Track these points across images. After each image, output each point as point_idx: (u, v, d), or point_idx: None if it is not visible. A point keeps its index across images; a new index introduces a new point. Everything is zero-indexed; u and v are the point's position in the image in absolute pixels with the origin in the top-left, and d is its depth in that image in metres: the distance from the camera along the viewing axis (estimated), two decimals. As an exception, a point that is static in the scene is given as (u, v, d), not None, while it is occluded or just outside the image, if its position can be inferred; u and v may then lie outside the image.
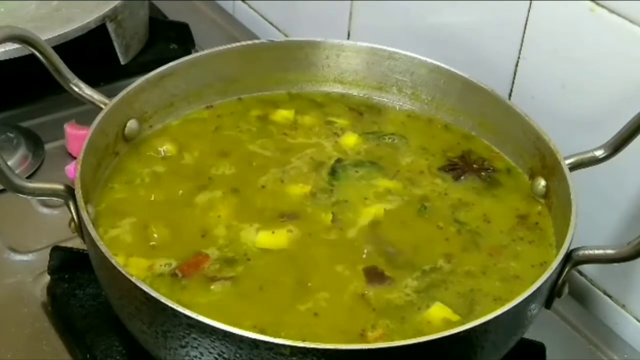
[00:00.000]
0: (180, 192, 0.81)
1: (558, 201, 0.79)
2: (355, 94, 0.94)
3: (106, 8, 1.07)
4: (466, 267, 0.75)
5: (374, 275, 0.73)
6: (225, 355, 0.63)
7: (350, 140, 0.88)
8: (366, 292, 0.72)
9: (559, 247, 0.72)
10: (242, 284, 0.72)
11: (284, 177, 0.83)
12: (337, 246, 0.76)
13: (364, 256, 0.75)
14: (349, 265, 0.74)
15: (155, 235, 0.75)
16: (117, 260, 0.66)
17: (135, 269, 0.72)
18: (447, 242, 0.78)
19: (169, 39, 1.18)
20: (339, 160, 0.85)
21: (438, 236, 0.78)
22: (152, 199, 0.79)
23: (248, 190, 0.81)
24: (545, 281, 0.68)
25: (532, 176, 0.84)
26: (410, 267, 0.75)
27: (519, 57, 0.92)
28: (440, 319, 0.70)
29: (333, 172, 0.84)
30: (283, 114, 0.90)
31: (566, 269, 0.72)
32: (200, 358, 0.64)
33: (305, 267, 0.74)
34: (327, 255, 0.75)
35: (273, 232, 0.76)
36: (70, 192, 0.72)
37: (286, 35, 1.24)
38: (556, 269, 0.69)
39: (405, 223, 0.79)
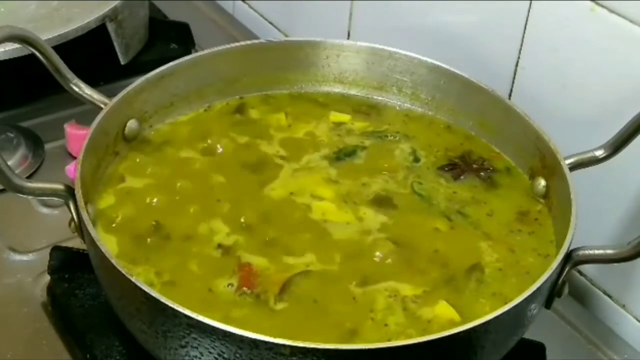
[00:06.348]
0: (188, 187, 0.81)
1: (558, 201, 0.79)
2: (355, 93, 0.94)
3: (106, 8, 1.07)
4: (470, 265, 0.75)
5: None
6: (225, 355, 0.63)
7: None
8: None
9: (559, 247, 0.72)
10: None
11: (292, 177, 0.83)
12: (355, 251, 0.76)
13: (376, 259, 0.75)
14: (364, 271, 0.74)
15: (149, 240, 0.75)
16: (117, 261, 0.66)
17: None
18: (453, 241, 0.78)
19: (169, 39, 1.18)
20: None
21: (442, 232, 0.78)
22: (149, 201, 0.79)
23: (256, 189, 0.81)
24: (545, 281, 0.68)
25: (532, 176, 0.84)
26: (417, 267, 0.75)
27: (519, 57, 0.92)
28: (445, 319, 0.70)
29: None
30: (277, 117, 0.90)
31: (566, 269, 0.72)
32: (200, 358, 0.64)
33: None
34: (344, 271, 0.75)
35: None
36: (70, 192, 0.72)
37: (286, 35, 1.24)
38: (556, 269, 0.69)
39: (413, 222, 0.79)
